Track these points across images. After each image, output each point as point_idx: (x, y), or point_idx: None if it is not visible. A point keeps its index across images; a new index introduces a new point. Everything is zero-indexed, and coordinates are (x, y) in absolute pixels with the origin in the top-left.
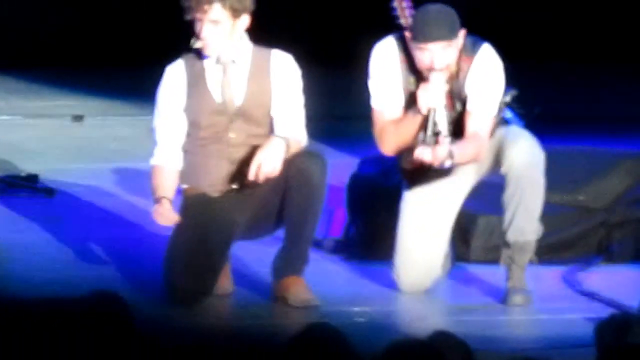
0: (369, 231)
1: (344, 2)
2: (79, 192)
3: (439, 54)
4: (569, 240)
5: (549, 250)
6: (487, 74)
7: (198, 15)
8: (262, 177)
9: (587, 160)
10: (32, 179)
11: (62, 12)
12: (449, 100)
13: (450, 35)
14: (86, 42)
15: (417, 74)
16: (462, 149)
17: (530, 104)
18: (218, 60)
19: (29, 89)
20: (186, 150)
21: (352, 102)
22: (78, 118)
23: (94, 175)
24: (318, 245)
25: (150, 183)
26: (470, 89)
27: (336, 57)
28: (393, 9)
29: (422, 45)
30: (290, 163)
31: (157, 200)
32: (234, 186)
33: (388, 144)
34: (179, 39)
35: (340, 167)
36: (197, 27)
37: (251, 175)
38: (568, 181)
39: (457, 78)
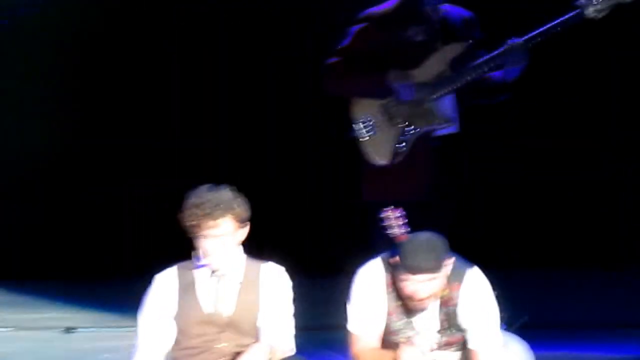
0: None
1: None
2: None
3: (423, 286)
4: None
5: None
6: (479, 304)
7: (204, 233)
8: None
9: None
10: None
11: (52, 226)
12: (442, 326)
13: (435, 268)
14: (77, 255)
15: (403, 300)
16: None
17: (519, 312)
18: (212, 272)
19: (20, 301)
20: (174, 359)
21: (344, 312)
22: (69, 330)
23: None
24: None
25: None
26: (467, 323)
27: (328, 268)
28: (384, 220)
29: (406, 277)
30: None
31: None
32: None
33: None
34: (167, 251)
35: None
36: (202, 243)
37: None
38: None
39: (449, 305)
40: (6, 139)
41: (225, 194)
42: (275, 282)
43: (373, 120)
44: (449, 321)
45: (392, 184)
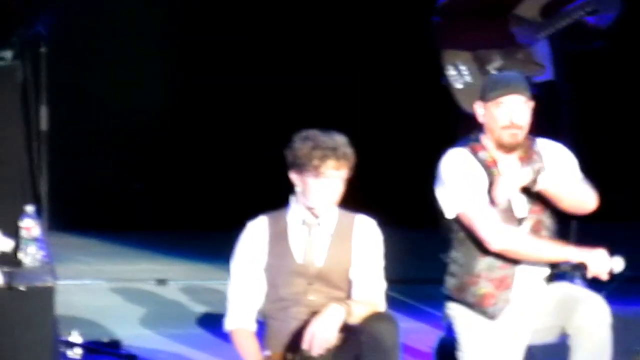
0: None
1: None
2: (162, 359)
3: (519, 108)
4: None
5: None
6: (560, 148)
7: (326, 173)
8: (316, 349)
9: None
10: (114, 344)
11: (144, 176)
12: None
13: (527, 91)
14: (170, 206)
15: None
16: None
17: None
18: (304, 222)
19: (112, 253)
20: (268, 316)
21: (439, 265)
22: (162, 282)
23: (177, 340)
24: None
25: (237, 349)
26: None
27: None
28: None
29: (501, 99)
30: (362, 328)
31: None
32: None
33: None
34: (261, 202)
35: (427, 331)
36: (315, 184)
37: (305, 345)
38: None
39: (531, 159)
40: (122, 92)
41: (345, 141)
42: (367, 235)
43: (466, 68)
44: (535, 177)
45: None
